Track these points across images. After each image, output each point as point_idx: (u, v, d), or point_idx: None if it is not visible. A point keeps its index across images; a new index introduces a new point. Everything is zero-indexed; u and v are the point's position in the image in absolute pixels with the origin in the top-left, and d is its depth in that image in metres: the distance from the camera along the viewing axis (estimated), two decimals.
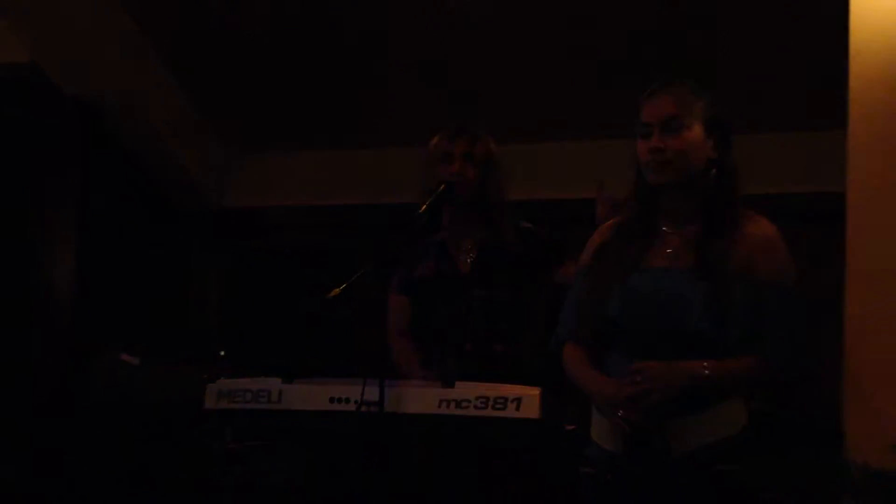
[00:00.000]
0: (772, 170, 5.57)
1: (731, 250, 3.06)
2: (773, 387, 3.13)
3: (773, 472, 2.99)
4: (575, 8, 5.76)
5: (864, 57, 3.65)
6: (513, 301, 4.04)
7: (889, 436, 3.07)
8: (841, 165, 3.69)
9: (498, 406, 3.46)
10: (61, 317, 6.43)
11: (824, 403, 3.67)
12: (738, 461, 3.00)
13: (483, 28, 5.91)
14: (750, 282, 3.03)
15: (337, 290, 3.72)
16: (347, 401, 3.56)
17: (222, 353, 4.86)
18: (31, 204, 6.60)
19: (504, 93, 6.08)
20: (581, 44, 5.85)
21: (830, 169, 3.81)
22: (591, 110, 6.00)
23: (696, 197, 3.13)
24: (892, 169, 3.61)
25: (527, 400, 3.44)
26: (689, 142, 3.09)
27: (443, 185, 3.96)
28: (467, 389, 3.50)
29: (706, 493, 2.96)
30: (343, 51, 6.23)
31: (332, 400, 3.61)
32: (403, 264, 4.13)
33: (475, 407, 3.47)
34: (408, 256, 4.11)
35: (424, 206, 3.94)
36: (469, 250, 4.12)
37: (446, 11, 5.77)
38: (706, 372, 2.97)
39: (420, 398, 3.54)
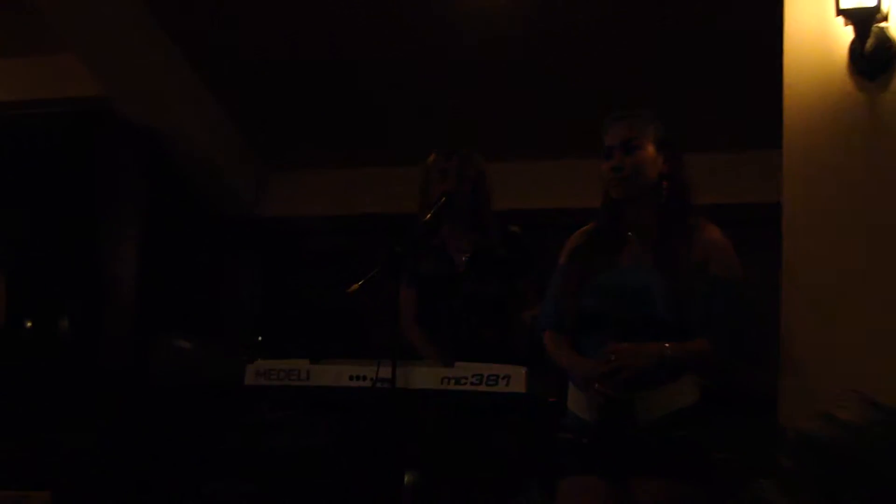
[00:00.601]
0: (726, 184, 5.58)
1: (686, 251, 3.08)
2: (722, 365, 3.14)
3: (721, 436, 2.99)
4: (556, 52, 5.77)
5: (796, 87, 3.65)
6: (499, 294, 4.04)
7: (816, 405, 3.07)
8: (779, 180, 3.69)
9: (490, 382, 3.46)
10: (127, 307, 6.43)
11: (765, 378, 3.67)
12: (693, 427, 3.02)
13: (477, 65, 5.91)
14: (703, 277, 3.06)
15: (355, 285, 3.73)
16: (364, 378, 3.56)
17: (259, 338, 4.86)
18: (101, 214, 6.61)
19: (497, 119, 6.09)
20: (563, 77, 5.86)
21: (771, 183, 3.81)
22: (570, 133, 6.00)
23: (652, 207, 3.15)
24: (820, 182, 3.61)
25: (515, 377, 3.44)
26: (643, 159, 3.13)
27: (443, 198, 3.96)
28: (465, 368, 3.51)
29: (668, 454, 2.98)
30: (360, 85, 6.23)
31: (351, 378, 3.61)
32: (411, 262, 4.13)
33: (471, 383, 3.47)
34: (415, 256, 4.12)
35: (429, 215, 3.94)
36: (464, 252, 4.12)
37: None
38: (669, 353, 2.99)
39: (425, 376, 3.54)
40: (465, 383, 3.48)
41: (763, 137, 4.16)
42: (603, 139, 3.17)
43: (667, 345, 3.00)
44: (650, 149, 3.14)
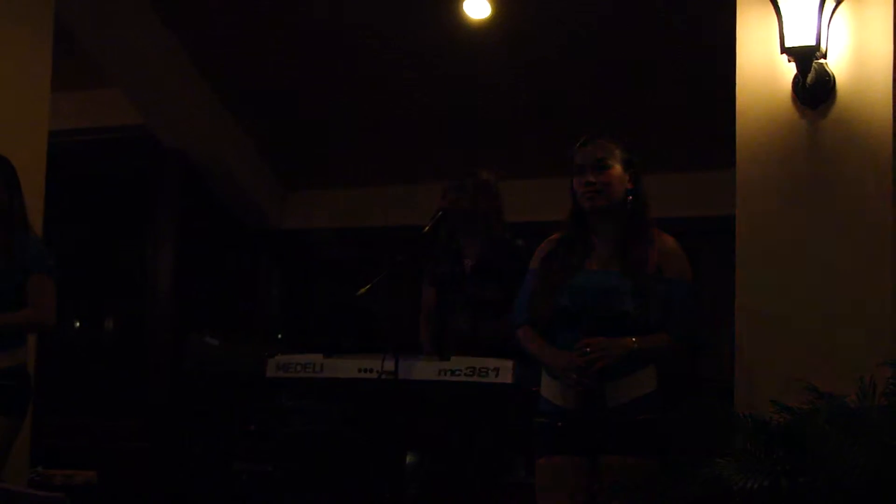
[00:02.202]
0: (684, 198, 5.59)
1: (647, 257, 3.09)
2: (679, 355, 3.14)
3: (679, 419, 2.98)
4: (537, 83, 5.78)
5: (747, 114, 3.64)
6: (497, 298, 4.00)
7: (766, 393, 3.06)
8: (732, 196, 3.68)
9: (482, 374, 3.46)
10: (164, 309, 6.43)
11: (719, 368, 3.66)
12: (655, 411, 3.02)
13: (478, 89, 5.91)
14: (661, 279, 3.07)
15: (363, 289, 3.72)
16: (371, 371, 3.56)
17: (279, 336, 4.85)
18: (142, 227, 6.63)
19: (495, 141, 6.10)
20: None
21: (726, 197, 3.80)
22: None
23: (617, 218, 3.16)
24: (769, 196, 3.60)
25: (503, 369, 3.44)
26: (613, 177, 3.14)
27: (440, 212, 3.94)
28: (459, 362, 3.50)
29: (633, 434, 2.98)
30: (369, 113, 6.23)
31: (359, 370, 3.60)
32: (432, 264, 4.12)
33: (465, 375, 3.47)
34: (436, 259, 4.10)
35: (428, 227, 3.94)
36: (472, 257, 4.10)
37: None
38: (636, 345, 3.00)
39: (424, 369, 3.54)
40: (460, 375, 3.48)
41: (719, 159, 4.17)
42: (575, 158, 3.17)
43: (633, 339, 3.00)
44: (618, 168, 3.14)
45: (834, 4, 3.51)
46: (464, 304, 3.97)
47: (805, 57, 3.51)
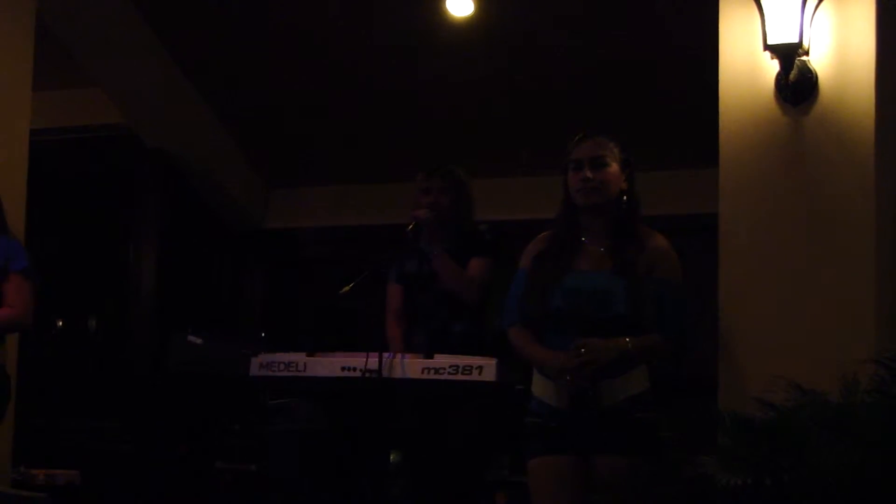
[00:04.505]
0: (670, 197, 5.59)
1: (638, 257, 3.07)
2: (671, 355, 3.13)
3: (669, 417, 2.97)
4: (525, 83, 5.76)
5: (730, 112, 3.64)
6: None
7: (750, 391, 3.06)
8: (716, 193, 3.67)
9: (465, 372, 3.43)
10: (147, 308, 6.40)
11: (704, 367, 3.66)
12: (646, 410, 3.02)
13: (464, 92, 5.89)
14: (652, 280, 3.05)
15: (346, 288, 3.70)
16: (354, 369, 3.53)
17: (263, 334, 4.83)
18: (124, 226, 6.60)
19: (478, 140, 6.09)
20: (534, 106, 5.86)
21: (709, 196, 3.80)
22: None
23: (609, 217, 3.14)
24: (752, 193, 3.60)
25: (486, 367, 3.41)
26: (610, 175, 3.12)
27: (412, 224, 3.91)
28: (443, 360, 3.48)
29: (626, 433, 2.97)
30: (352, 113, 6.20)
31: (343, 369, 3.57)
32: (399, 263, 4.09)
33: (449, 373, 3.44)
34: (402, 257, 4.08)
35: (411, 226, 3.91)
36: (439, 248, 4.05)
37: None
38: (629, 346, 2.98)
39: (408, 367, 3.50)
40: (443, 373, 3.45)
41: (701, 157, 4.17)
42: (571, 153, 3.15)
43: (626, 339, 2.98)
44: (615, 167, 3.13)
45: (816, 1, 3.51)
46: (434, 303, 3.93)
47: (788, 54, 3.51)
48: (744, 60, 3.62)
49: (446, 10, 5.40)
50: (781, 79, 3.55)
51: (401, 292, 4.07)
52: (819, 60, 3.53)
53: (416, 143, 6.11)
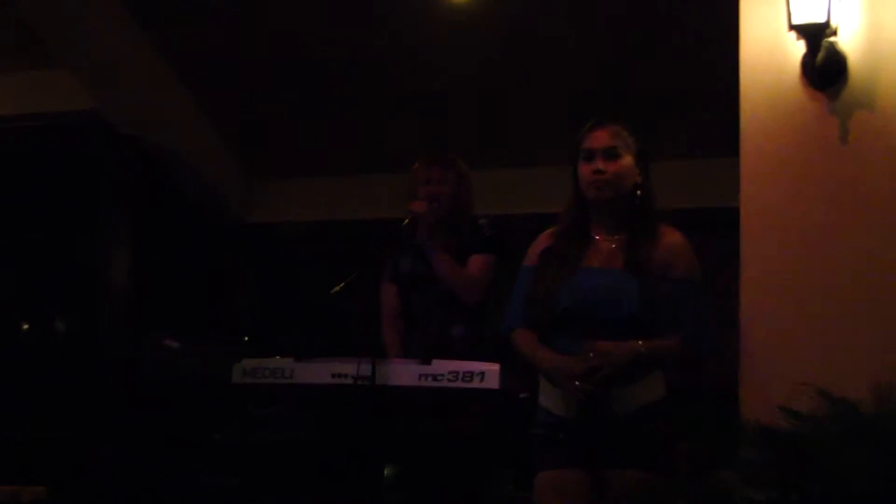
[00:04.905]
0: (687, 189, 5.59)
1: (652, 254, 3.07)
2: (689, 360, 3.13)
3: (686, 428, 2.97)
4: (535, 64, 5.76)
5: (752, 98, 3.64)
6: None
7: (774, 399, 3.06)
8: (736, 185, 3.68)
9: (466, 379, 3.43)
10: (120, 309, 6.40)
11: (725, 374, 3.67)
12: (661, 420, 3.02)
13: (463, 77, 5.89)
14: (668, 278, 3.05)
15: (336, 287, 3.70)
16: (346, 376, 3.52)
17: (246, 338, 4.83)
18: (96, 220, 6.58)
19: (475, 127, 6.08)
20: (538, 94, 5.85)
21: (729, 189, 3.80)
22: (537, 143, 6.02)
23: (621, 211, 3.14)
24: (775, 186, 3.60)
25: (488, 374, 3.40)
26: (624, 168, 3.12)
27: (408, 219, 3.91)
28: (441, 365, 3.47)
29: (640, 445, 2.97)
30: (341, 98, 6.20)
31: (333, 375, 3.57)
32: (393, 260, 4.09)
33: (448, 380, 3.44)
34: (396, 254, 4.07)
35: (407, 220, 3.91)
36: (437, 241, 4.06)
37: None
38: (643, 350, 2.98)
39: (404, 373, 3.50)
40: (442, 380, 3.45)
41: (721, 146, 4.17)
42: (582, 143, 3.15)
43: (639, 342, 2.98)
44: (629, 158, 3.13)
45: None
46: (432, 304, 3.93)
47: (814, 34, 3.51)
48: (766, 41, 3.62)
49: None
50: (808, 61, 3.54)
51: (396, 292, 4.07)
52: (849, 41, 3.52)
53: (411, 130, 6.12)
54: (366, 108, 6.23)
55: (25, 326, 6.71)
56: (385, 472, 3.60)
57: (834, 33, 3.52)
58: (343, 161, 6.68)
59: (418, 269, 4.01)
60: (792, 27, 3.53)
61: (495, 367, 3.41)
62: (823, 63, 3.52)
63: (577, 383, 2.97)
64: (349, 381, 3.49)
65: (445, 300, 3.91)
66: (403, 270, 4.06)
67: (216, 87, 6.36)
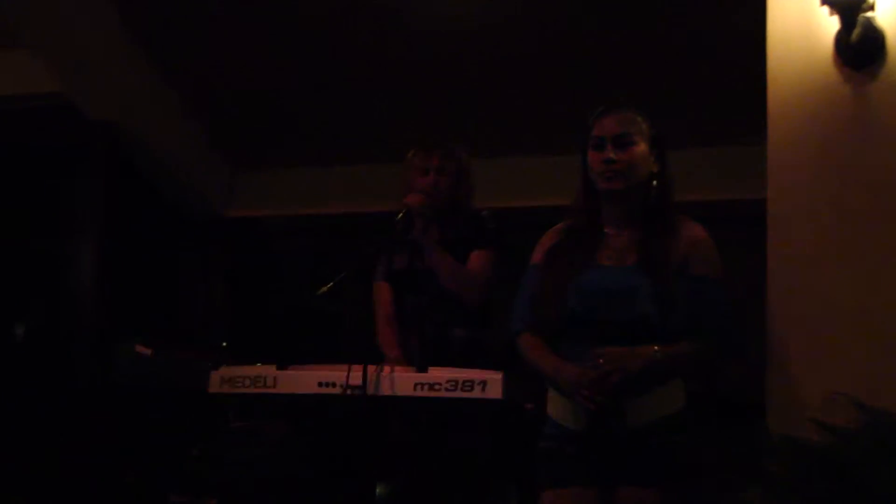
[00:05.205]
0: (707, 180, 5.58)
1: (669, 250, 3.06)
2: (710, 367, 3.12)
3: (708, 441, 2.97)
4: (539, 45, 5.74)
5: (780, 80, 3.63)
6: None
7: (805, 409, 3.05)
8: (760, 176, 3.67)
9: (466, 388, 3.42)
10: (86, 311, 6.37)
11: (750, 381, 3.66)
12: (681, 433, 3.00)
13: (453, 60, 5.88)
14: (686, 276, 3.04)
15: (325, 287, 3.69)
16: (334, 385, 3.53)
17: (224, 343, 4.82)
18: (61, 214, 6.56)
19: (475, 114, 6.06)
20: (536, 76, 5.84)
21: (755, 178, 3.80)
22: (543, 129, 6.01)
23: (635, 204, 3.13)
24: (806, 175, 3.59)
25: (491, 382, 3.40)
26: (637, 156, 3.12)
27: (402, 213, 3.89)
28: (439, 373, 3.47)
29: (657, 460, 2.95)
30: (330, 81, 6.19)
31: (320, 384, 3.57)
32: (386, 257, 4.08)
33: (446, 389, 3.44)
34: (390, 250, 4.06)
35: (401, 215, 3.89)
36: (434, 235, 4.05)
37: None
38: (658, 356, 2.96)
39: (398, 382, 3.50)
40: (440, 389, 3.45)
41: (745, 132, 4.16)
42: (592, 129, 3.14)
43: (656, 347, 2.97)
44: (643, 146, 3.13)
45: None
46: (428, 302, 3.93)
47: (849, 9, 3.50)
48: (797, 17, 3.62)
49: None
50: (842, 39, 3.54)
51: (390, 292, 4.06)
52: (887, 16, 3.52)
53: (404, 117, 6.10)
54: (358, 95, 6.21)
55: None
56: (378, 490, 3.59)
57: (871, 8, 3.52)
58: (331, 151, 6.67)
59: (414, 266, 3.99)
60: (824, 1, 3.53)
61: (498, 375, 3.40)
62: (859, 40, 3.52)
63: (586, 393, 2.95)
64: (338, 390, 3.49)
65: (443, 300, 3.90)
66: (398, 268, 4.05)
67: (197, 70, 6.34)
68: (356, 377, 3.45)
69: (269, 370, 3.67)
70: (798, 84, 3.60)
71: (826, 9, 3.54)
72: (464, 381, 3.42)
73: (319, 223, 6.88)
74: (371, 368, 3.49)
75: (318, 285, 3.72)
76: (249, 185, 7.06)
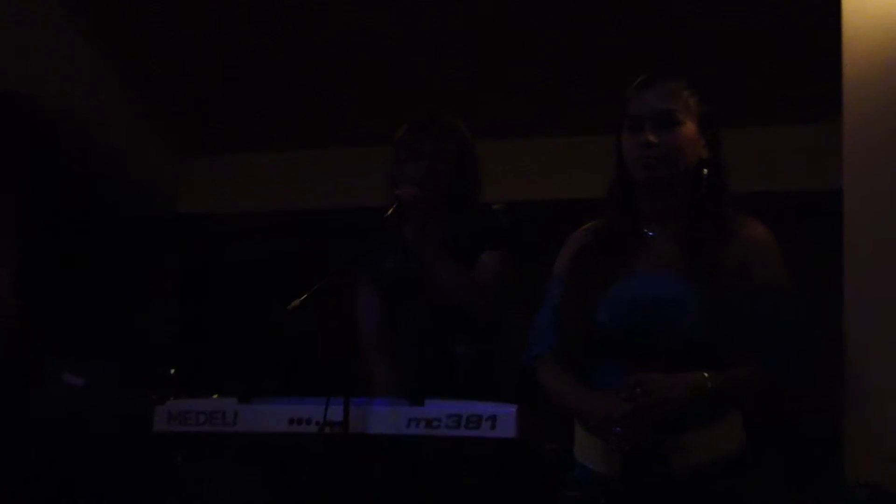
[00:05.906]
0: (762, 166, 5.58)
1: (723, 254, 3.05)
2: (773, 397, 3.11)
3: (774, 486, 2.97)
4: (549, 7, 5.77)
5: (856, 52, 3.66)
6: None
7: (889, 448, 3.05)
8: (836, 160, 3.68)
9: (471, 425, 3.41)
10: (2, 332, 6.38)
11: (825, 412, 3.67)
12: (741, 477, 2.98)
13: (446, 24, 5.90)
14: (744, 288, 3.02)
15: (297, 301, 3.68)
16: (309, 422, 3.51)
17: (173, 370, 4.84)
18: None
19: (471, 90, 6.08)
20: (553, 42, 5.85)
21: (827, 165, 3.80)
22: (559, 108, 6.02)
23: (681, 197, 3.12)
24: (885, 162, 3.61)
25: (502, 418, 3.38)
26: (684, 138, 3.09)
27: (392, 208, 3.88)
28: (438, 407, 3.46)
29: None
30: (296, 49, 6.21)
31: (292, 421, 3.55)
32: (374, 261, 4.07)
33: (447, 426, 3.42)
34: (378, 253, 4.06)
35: (391, 210, 3.88)
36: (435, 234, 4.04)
37: None
38: (709, 384, 2.94)
39: (387, 418, 3.48)
40: (439, 426, 3.43)
41: (815, 110, 4.17)
42: (628, 107, 3.13)
43: (706, 374, 2.95)
44: (691, 126, 3.10)
45: None
46: (427, 315, 3.93)
47: None
48: None
49: None
50: None
51: (378, 305, 4.06)
52: None
53: (387, 89, 6.13)
54: (328, 64, 6.25)
55: None
56: None
57: None
58: (299, 132, 6.71)
59: (408, 270, 3.99)
60: None
61: (511, 409, 3.39)
62: None
63: (619, 430, 2.94)
64: (313, 428, 3.47)
65: (445, 311, 3.90)
66: (387, 270, 4.05)
67: (136, 43, 6.39)
68: (335, 412, 3.43)
69: (229, 404, 3.65)
70: (875, 57, 3.63)
71: None
72: (468, 417, 3.41)
73: (288, 220, 6.91)
74: (353, 401, 3.48)
75: (290, 298, 3.71)
76: (201, 173, 7.12)
